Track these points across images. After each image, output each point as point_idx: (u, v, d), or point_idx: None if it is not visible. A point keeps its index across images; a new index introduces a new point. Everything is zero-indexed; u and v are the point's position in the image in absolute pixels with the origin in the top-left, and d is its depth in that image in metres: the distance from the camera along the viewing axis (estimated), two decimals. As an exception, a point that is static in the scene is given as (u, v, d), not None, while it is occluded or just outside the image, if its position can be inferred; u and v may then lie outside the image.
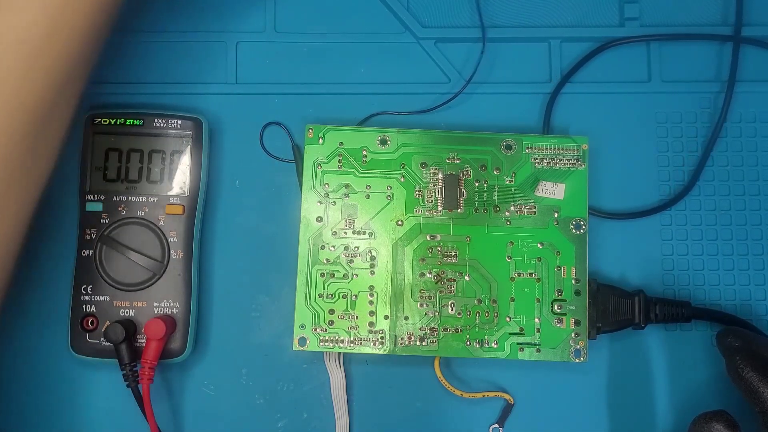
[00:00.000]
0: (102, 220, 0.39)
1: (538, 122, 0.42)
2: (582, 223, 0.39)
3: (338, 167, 0.40)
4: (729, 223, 0.42)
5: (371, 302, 0.39)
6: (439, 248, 0.39)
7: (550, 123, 0.42)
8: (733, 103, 0.42)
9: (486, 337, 0.39)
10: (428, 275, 0.39)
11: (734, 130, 0.43)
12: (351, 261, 0.39)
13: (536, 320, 0.39)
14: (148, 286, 0.39)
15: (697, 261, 0.42)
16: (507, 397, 0.40)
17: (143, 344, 0.38)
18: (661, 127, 0.43)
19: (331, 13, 0.43)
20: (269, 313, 0.41)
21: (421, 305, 0.39)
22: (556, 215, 0.39)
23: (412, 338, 0.39)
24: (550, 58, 0.43)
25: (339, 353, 0.40)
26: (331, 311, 0.39)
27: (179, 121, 0.40)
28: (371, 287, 0.39)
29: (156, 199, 0.40)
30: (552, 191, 0.39)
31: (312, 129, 0.40)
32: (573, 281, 0.39)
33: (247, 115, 0.42)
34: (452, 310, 0.39)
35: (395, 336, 0.39)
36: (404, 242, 0.39)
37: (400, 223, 0.40)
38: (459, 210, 0.40)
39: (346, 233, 0.40)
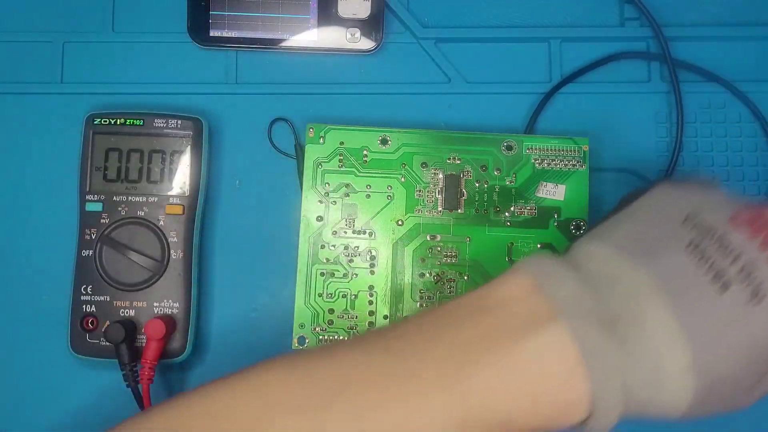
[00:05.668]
0: (102, 220, 0.39)
1: (539, 122, 0.42)
2: (582, 224, 0.39)
3: (339, 166, 0.40)
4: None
5: (371, 302, 0.39)
6: (439, 248, 0.39)
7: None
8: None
9: (486, 337, 0.39)
10: (428, 275, 0.39)
11: (734, 129, 0.42)
12: (351, 260, 0.39)
13: (536, 320, 0.39)
14: (148, 286, 0.39)
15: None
16: (507, 397, 0.40)
17: (143, 344, 0.38)
18: (661, 127, 0.43)
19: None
20: (269, 313, 0.41)
21: (421, 305, 0.39)
22: (556, 216, 0.39)
23: (412, 338, 0.39)
24: (550, 58, 0.43)
25: (339, 353, 0.40)
26: (331, 311, 0.39)
27: (179, 121, 0.40)
28: (371, 287, 0.39)
29: (156, 199, 0.40)
30: (552, 192, 0.39)
31: (313, 128, 0.40)
32: (573, 281, 0.39)
33: (247, 115, 0.42)
34: (452, 310, 0.39)
35: (395, 336, 0.39)
36: (404, 242, 0.39)
37: (400, 223, 0.40)
38: (459, 210, 0.40)
39: (346, 233, 0.40)
